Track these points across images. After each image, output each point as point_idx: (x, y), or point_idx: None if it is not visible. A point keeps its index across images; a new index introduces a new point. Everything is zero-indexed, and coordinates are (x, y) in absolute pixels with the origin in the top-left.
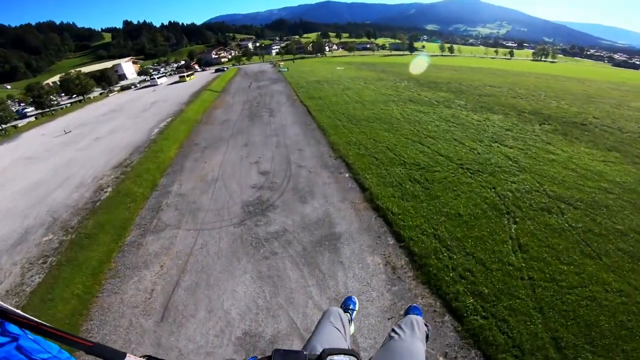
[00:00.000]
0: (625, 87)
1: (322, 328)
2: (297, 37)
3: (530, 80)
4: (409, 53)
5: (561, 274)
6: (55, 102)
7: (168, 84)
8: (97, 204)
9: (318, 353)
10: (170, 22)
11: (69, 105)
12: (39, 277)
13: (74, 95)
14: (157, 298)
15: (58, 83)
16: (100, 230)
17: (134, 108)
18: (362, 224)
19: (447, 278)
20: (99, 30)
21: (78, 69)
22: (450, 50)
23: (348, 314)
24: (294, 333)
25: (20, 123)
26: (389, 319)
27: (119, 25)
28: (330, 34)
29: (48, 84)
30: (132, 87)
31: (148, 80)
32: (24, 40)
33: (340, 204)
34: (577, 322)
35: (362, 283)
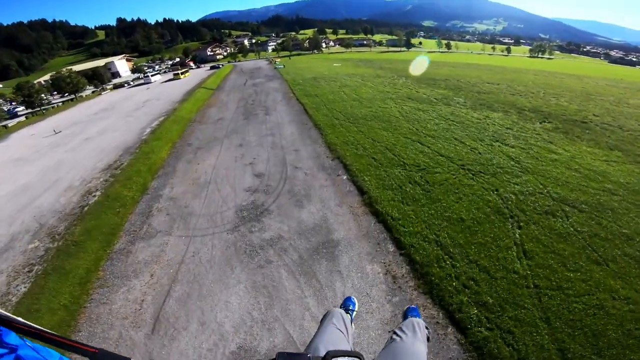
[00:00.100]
0: (623, 84)
1: (325, 330)
2: (293, 33)
3: (529, 77)
4: (406, 49)
5: (568, 282)
6: (46, 101)
7: (162, 82)
8: (85, 209)
9: (322, 355)
10: (164, 19)
11: (60, 104)
12: (25, 287)
13: (66, 94)
14: (147, 309)
15: (49, 82)
16: (87, 237)
17: (126, 107)
18: (360, 230)
19: (449, 288)
20: (93, 28)
21: (69, 67)
22: (448, 46)
23: (349, 315)
24: (291, 347)
25: (11, 123)
26: (389, 331)
27: (113, 23)
28: (327, 30)
29: (40, 82)
30: (126, 85)
31: (142, 78)
32: (16, 38)
33: (338, 209)
34: (584, 331)
35: (361, 293)
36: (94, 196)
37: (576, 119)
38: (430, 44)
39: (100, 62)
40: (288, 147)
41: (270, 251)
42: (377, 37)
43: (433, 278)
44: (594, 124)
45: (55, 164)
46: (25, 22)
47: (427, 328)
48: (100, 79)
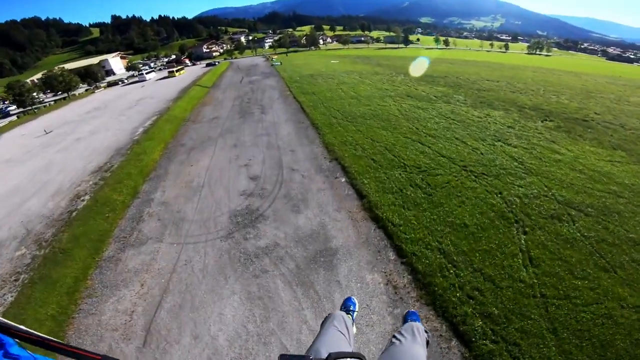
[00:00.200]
0: (622, 82)
1: (326, 332)
2: (290, 30)
3: (528, 74)
4: (404, 46)
5: (575, 290)
6: (38, 100)
7: (157, 80)
8: (74, 214)
9: (323, 357)
10: (160, 16)
11: (52, 102)
12: (11, 296)
13: (59, 92)
14: (137, 321)
15: (41, 80)
16: (75, 245)
17: (119, 105)
18: (360, 236)
19: (453, 299)
20: (87, 25)
21: (62, 66)
22: (446, 43)
23: (350, 315)
24: None
25: (2, 122)
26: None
27: (108, 20)
28: (324, 26)
29: (33, 80)
30: (120, 83)
31: (136, 76)
32: (8, 36)
33: (336, 214)
34: (592, 342)
35: (361, 305)
36: (83, 200)
37: (577, 117)
38: (428, 40)
39: (94, 60)
40: (284, 148)
41: (265, 260)
42: (375, 34)
43: (436, 288)
44: (596, 122)
45: (44, 166)
46: (18, 20)
47: (426, 332)
48: (93, 77)
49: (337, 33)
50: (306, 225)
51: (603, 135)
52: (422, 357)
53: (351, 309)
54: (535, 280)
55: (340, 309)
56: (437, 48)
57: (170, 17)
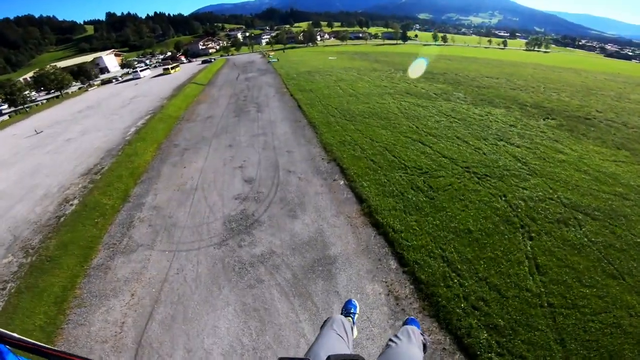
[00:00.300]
0: (621, 79)
1: (325, 335)
2: (287, 26)
3: (527, 71)
4: (402, 42)
5: (583, 299)
6: (30, 99)
7: (151, 77)
8: (62, 219)
9: None
10: (156, 13)
11: (44, 101)
12: None
13: (52, 91)
14: (128, 332)
15: (34, 78)
16: (63, 252)
17: (112, 104)
18: (359, 244)
19: (458, 310)
20: (82, 23)
21: (54, 64)
22: (444, 39)
23: (350, 318)
24: None
25: None
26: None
27: (103, 18)
28: (322, 23)
29: (26, 79)
30: (114, 80)
31: (130, 74)
32: (2, 35)
33: (335, 219)
34: (601, 352)
35: (361, 318)
36: (71, 205)
37: (579, 115)
38: (427, 36)
39: (88, 58)
40: (281, 148)
41: (261, 269)
42: (373, 30)
43: (440, 299)
44: (598, 120)
45: (33, 168)
46: (11, 18)
47: (422, 334)
48: (86, 75)
49: (334, 29)
50: (303, 232)
51: (606, 134)
52: (418, 358)
53: (352, 311)
54: (543, 289)
55: (341, 312)
56: (435, 44)
57: (166, 14)
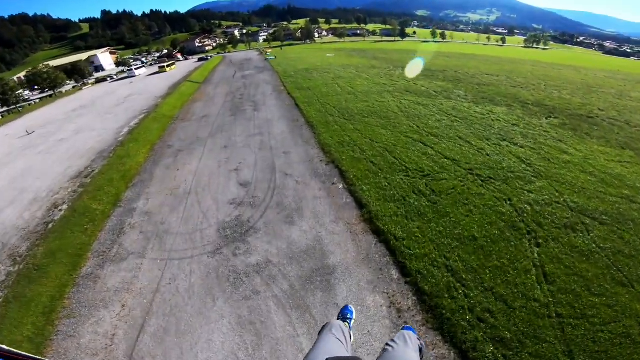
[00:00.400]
0: (621, 76)
1: (324, 339)
2: (285, 23)
3: (527, 68)
4: (400, 39)
5: (592, 308)
6: (23, 99)
7: (147, 75)
8: (50, 225)
9: None
10: (152, 10)
11: (38, 100)
12: None
13: (46, 90)
14: (119, 345)
15: (27, 77)
16: (51, 260)
17: (105, 103)
18: (360, 252)
19: (463, 322)
20: (77, 21)
21: (47, 63)
22: (443, 36)
23: (346, 324)
24: None
25: None
26: None
27: (98, 16)
28: (320, 20)
29: (20, 78)
30: (108, 79)
31: (126, 72)
32: None
33: (334, 226)
34: None
35: (362, 332)
36: (60, 210)
37: (582, 114)
38: (425, 33)
39: (83, 56)
40: (278, 149)
41: (257, 279)
42: (371, 27)
43: (444, 311)
44: (601, 119)
45: (23, 170)
46: (5, 17)
47: (419, 339)
48: (80, 73)
49: (332, 26)
50: (301, 240)
51: (609, 133)
52: None
53: (348, 317)
54: (551, 299)
55: (338, 317)
56: (434, 41)
57: (163, 12)
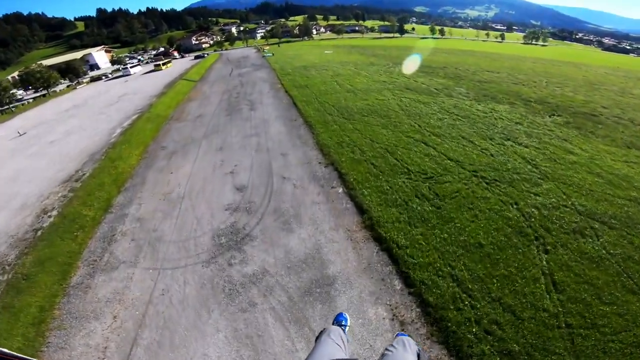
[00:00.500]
0: (621, 73)
1: (323, 343)
2: (283, 20)
3: (528, 65)
4: (399, 36)
5: (603, 317)
6: (15, 99)
7: (142, 73)
8: (39, 232)
9: None
10: (148, 8)
11: (31, 100)
12: None
13: (40, 89)
14: (112, 358)
15: (21, 77)
16: (40, 269)
17: (99, 103)
18: (361, 261)
19: (469, 335)
20: (72, 19)
21: (40, 62)
22: (441, 32)
23: (341, 330)
24: None
25: None
26: None
27: (93, 14)
28: (318, 16)
29: (14, 76)
30: (103, 77)
31: (121, 70)
32: None
33: (334, 233)
34: None
35: (363, 346)
36: (50, 216)
37: (585, 112)
38: (424, 30)
39: (77, 54)
40: (275, 150)
41: (253, 290)
42: (369, 23)
43: (449, 324)
44: (605, 117)
45: (13, 174)
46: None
47: (416, 345)
48: (74, 72)
49: (330, 23)
50: (299, 248)
51: (614, 132)
52: None
53: (343, 324)
54: (560, 309)
55: (333, 324)
56: (433, 37)
57: (159, 9)
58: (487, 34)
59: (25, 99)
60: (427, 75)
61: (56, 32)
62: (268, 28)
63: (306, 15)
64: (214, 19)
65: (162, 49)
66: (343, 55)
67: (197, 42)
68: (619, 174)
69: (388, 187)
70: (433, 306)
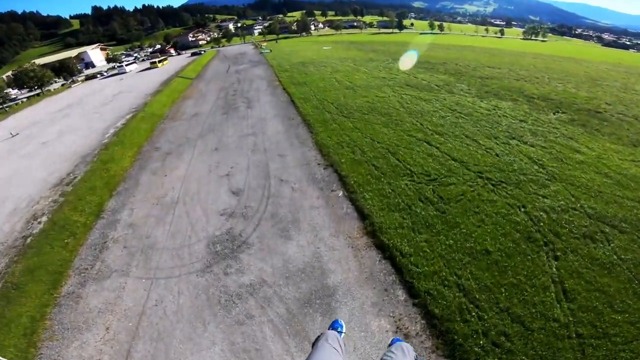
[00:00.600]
0: (622, 68)
1: (321, 348)
2: (281, 16)
3: (528, 61)
4: (398, 31)
5: (614, 326)
6: (9, 98)
7: (138, 71)
8: (29, 240)
9: None
10: (144, 5)
11: (25, 100)
12: None
13: (35, 88)
14: None
15: (15, 76)
16: (30, 278)
17: (93, 102)
18: (362, 270)
19: (476, 348)
20: (67, 17)
21: (33, 61)
22: (440, 28)
23: (338, 335)
24: None
25: None
26: None
27: (89, 12)
28: (316, 12)
29: (9, 76)
30: (99, 75)
31: (116, 68)
32: None
33: (334, 240)
34: None
35: None
36: (40, 222)
37: (590, 109)
38: (422, 25)
39: (72, 53)
40: (272, 151)
41: (250, 301)
42: (368, 19)
43: (456, 336)
44: (609, 114)
45: (4, 177)
46: None
47: (415, 351)
48: (69, 70)
49: (329, 18)
50: (298, 256)
51: (620, 130)
52: None
53: (339, 330)
54: (571, 318)
55: (329, 329)
56: (431, 33)
57: (155, 7)
58: (487, 30)
59: (19, 99)
60: (427, 71)
61: (51, 30)
62: (266, 24)
63: (304, 11)
64: (211, 16)
65: (158, 47)
66: (342, 51)
67: (194, 39)
68: (627, 174)
69: (390, 190)
70: (439, 318)
